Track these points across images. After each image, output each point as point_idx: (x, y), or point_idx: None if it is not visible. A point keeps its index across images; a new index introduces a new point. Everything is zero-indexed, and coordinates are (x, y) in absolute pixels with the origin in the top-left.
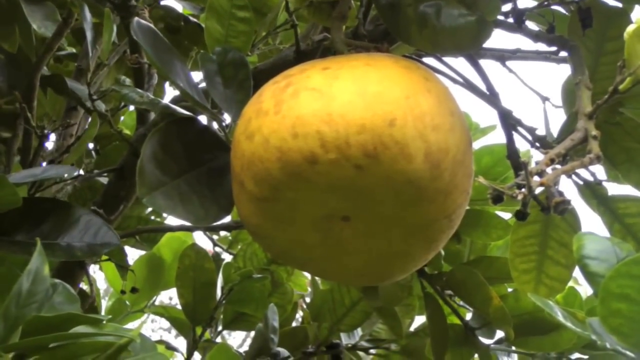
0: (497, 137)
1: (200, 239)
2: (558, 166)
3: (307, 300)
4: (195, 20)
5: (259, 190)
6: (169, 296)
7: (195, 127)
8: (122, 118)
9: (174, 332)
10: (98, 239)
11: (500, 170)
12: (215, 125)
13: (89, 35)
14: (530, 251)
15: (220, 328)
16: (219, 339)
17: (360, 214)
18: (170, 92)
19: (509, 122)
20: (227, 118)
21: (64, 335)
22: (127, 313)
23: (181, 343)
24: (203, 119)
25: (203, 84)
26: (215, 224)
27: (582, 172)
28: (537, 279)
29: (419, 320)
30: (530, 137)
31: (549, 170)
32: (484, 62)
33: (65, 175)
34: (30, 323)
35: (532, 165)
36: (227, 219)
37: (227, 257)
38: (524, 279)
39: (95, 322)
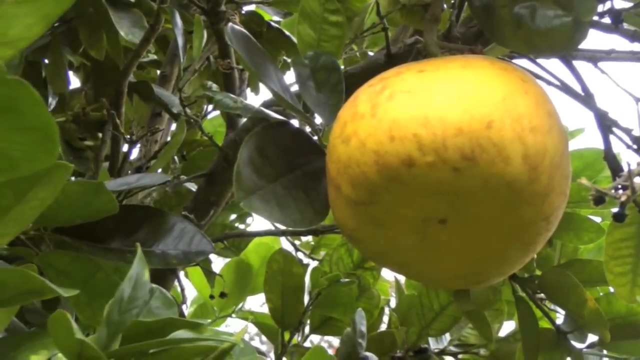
0: (586, 141)
1: (283, 244)
2: None
3: (392, 305)
4: (277, 25)
5: (355, 194)
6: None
7: (289, 131)
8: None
9: (257, 338)
10: (192, 247)
11: (589, 174)
12: (307, 129)
13: (180, 41)
14: (625, 254)
15: (307, 332)
16: (307, 343)
17: (457, 217)
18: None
19: (605, 123)
20: (319, 122)
21: (166, 340)
22: (215, 319)
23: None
24: (295, 123)
25: (293, 88)
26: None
27: None
28: (633, 281)
29: (507, 326)
30: (626, 139)
31: None
32: (576, 64)
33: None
34: (130, 328)
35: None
36: None
37: (308, 262)
38: (619, 282)
39: (194, 327)
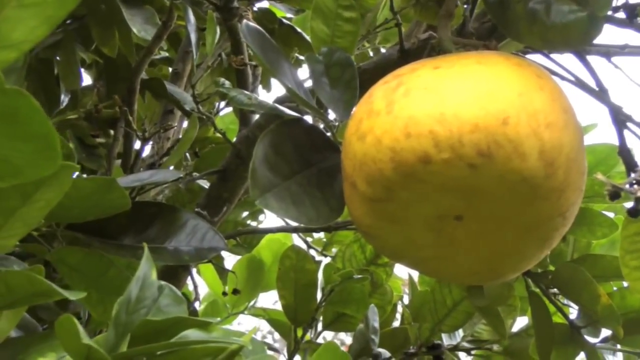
0: (599, 136)
1: (295, 241)
2: None
3: (405, 301)
4: (289, 22)
5: (371, 191)
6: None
7: (304, 128)
8: None
9: (269, 336)
10: (205, 244)
11: (602, 170)
12: (321, 125)
13: (193, 37)
14: None
15: (320, 329)
16: (319, 340)
17: (473, 213)
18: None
19: (620, 118)
20: (333, 118)
21: (174, 343)
22: (227, 315)
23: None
24: (308, 119)
25: (306, 84)
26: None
27: None
28: None
29: (520, 322)
30: None
31: None
32: (589, 59)
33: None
34: (139, 328)
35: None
36: None
37: (320, 259)
38: (635, 276)
39: (203, 326)
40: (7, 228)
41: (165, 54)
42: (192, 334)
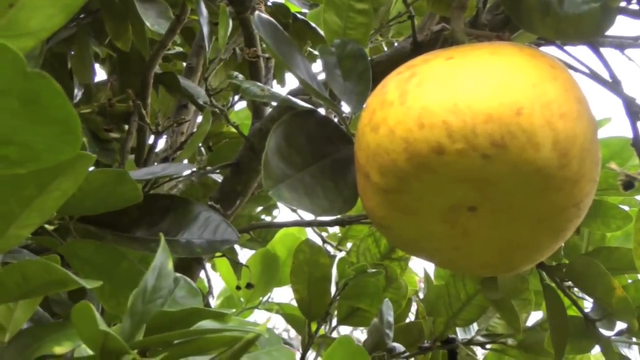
0: (613, 130)
1: (310, 236)
2: None
3: (420, 296)
4: (303, 17)
5: (384, 182)
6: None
7: (317, 120)
8: None
9: (285, 334)
10: (217, 236)
11: (616, 163)
12: (334, 117)
13: (205, 30)
14: None
15: (335, 323)
16: (334, 334)
17: (487, 204)
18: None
19: (633, 110)
20: (346, 110)
21: (191, 331)
22: (242, 310)
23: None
24: (321, 112)
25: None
26: (328, 219)
27: None
28: None
29: (534, 317)
30: None
31: None
32: (603, 51)
33: (184, 172)
34: (155, 318)
35: None
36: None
37: (335, 254)
38: None
39: (219, 317)
40: (23, 218)
41: (179, 49)
42: (208, 324)
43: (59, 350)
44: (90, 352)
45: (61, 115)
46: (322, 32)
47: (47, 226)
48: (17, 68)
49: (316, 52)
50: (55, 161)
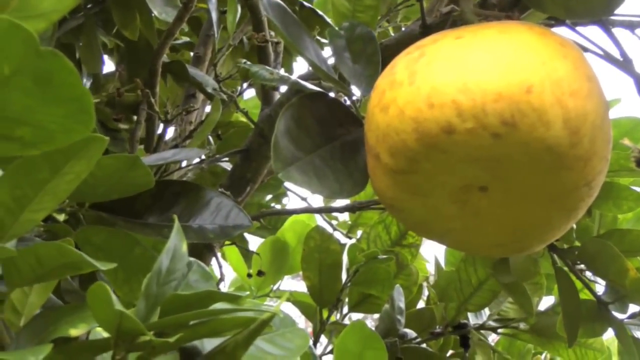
0: (623, 110)
1: (320, 223)
2: None
3: (431, 282)
4: (310, 5)
5: (395, 163)
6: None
7: (326, 102)
8: None
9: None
10: (230, 221)
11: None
12: (344, 100)
13: (214, 15)
14: None
15: (346, 310)
16: (345, 322)
17: (498, 184)
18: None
19: None
20: (355, 93)
21: (205, 312)
22: (253, 298)
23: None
24: (331, 95)
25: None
26: (338, 205)
27: None
28: None
29: (545, 302)
30: None
31: None
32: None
33: (195, 159)
34: (169, 301)
35: None
36: (347, 202)
37: (345, 242)
38: None
39: (233, 299)
40: (37, 201)
41: (187, 39)
42: (223, 306)
43: (74, 332)
44: (106, 334)
45: (74, 93)
46: (329, 20)
47: (57, 216)
48: (29, 46)
49: (324, 40)
50: (68, 141)
